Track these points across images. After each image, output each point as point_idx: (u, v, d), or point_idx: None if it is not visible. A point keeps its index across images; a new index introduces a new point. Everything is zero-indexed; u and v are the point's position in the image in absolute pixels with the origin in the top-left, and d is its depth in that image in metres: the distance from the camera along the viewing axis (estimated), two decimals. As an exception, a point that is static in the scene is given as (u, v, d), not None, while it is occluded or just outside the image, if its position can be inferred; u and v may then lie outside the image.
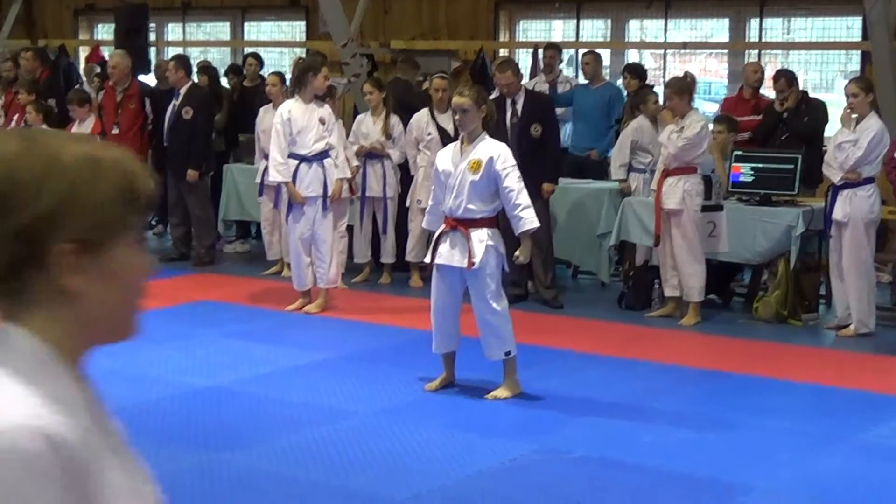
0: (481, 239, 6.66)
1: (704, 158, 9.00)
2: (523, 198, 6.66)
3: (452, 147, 6.97)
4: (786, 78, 10.34)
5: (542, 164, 9.25)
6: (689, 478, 5.51)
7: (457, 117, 6.86)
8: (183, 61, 11.41)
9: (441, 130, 10.08)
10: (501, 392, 6.79)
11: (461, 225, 6.70)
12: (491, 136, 6.87)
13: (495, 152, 6.72)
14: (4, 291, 1.54)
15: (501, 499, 5.25)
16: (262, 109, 10.82)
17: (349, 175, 9.43)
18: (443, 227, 6.81)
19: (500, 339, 6.75)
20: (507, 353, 6.75)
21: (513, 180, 6.64)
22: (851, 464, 5.78)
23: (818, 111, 10.35)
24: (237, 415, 6.38)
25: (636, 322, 9.05)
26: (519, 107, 9.42)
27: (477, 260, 6.61)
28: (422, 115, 10.26)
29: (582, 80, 12.23)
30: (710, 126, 9.55)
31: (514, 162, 6.73)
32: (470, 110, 6.72)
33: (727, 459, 5.77)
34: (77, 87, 12.56)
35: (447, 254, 6.73)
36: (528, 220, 6.65)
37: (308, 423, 6.22)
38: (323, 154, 9.06)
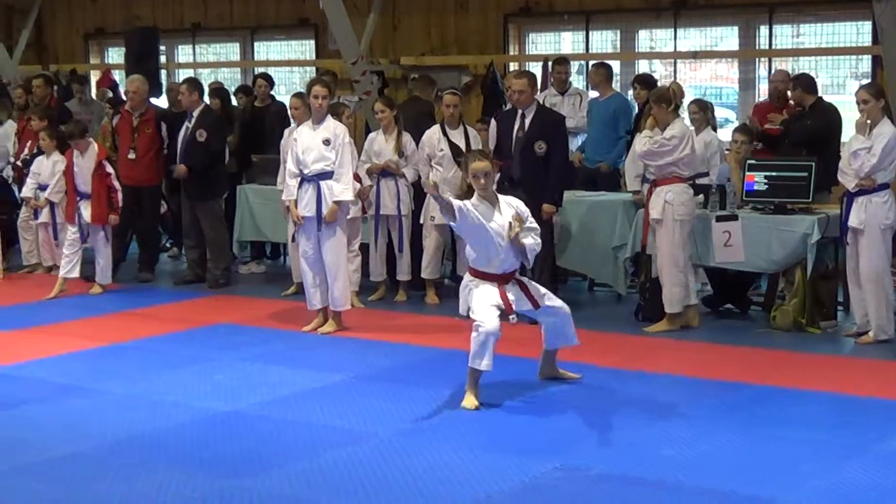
0: (534, 284, 7.32)
1: (688, 167, 8.95)
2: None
3: (475, 203, 7.11)
4: (801, 86, 10.27)
5: (543, 182, 9.22)
6: (712, 492, 5.47)
7: (482, 182, 7.08)
8: (196, 84, 11.43)
9: (453, 146, 10.08)
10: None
11: (512, 276, 7.18)
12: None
13: (515, 204, 7.26)
14: None
15: (523, 518, 5.23)
16: (286, 131, 10.73)
17: (350, 198, 9.20)
18: (496, 292, 7.06)
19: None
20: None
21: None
22: (875, 474, 5.73)
23: (824, 115, 10.24)
24: (256, 439, 6.37)
25: (654, 334, 9.03)
26: (528, 121, 9.34)
27: (542, 300, 7.21)
28: (433, 132, 10.26)
29: (593, 92, 12.20)
30: (729, 136, 9.50)
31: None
32: (491, 172, 7.15)
33: (749, 472, 5.74)
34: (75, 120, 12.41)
35: (517, 303, 7.10)
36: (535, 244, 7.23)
37: (327, 445, 6.20)
38: (323, 174, 8.98)
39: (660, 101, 8.92)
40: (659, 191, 8.99)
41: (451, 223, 7.18)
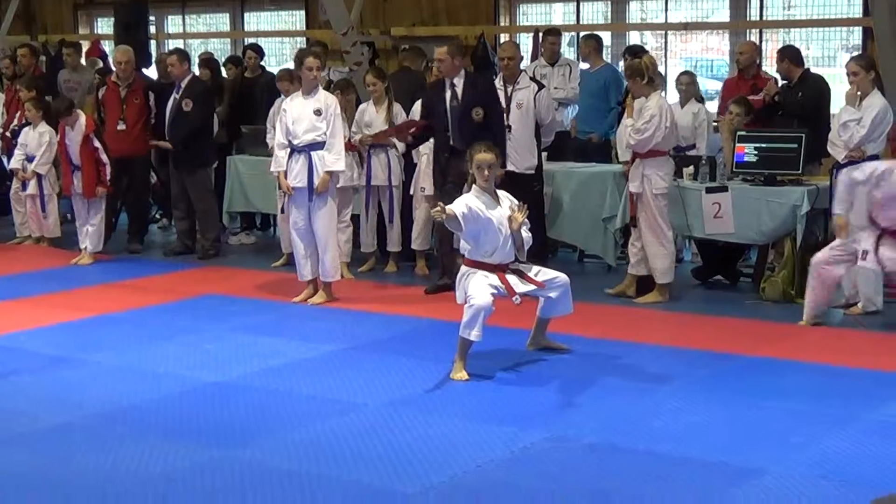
0: (535, 270, 7.28)
1: (666, 141, 8.90)
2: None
3: (477, 195, 7.11)
4: (788, 58, 10.27)
5: None
6: (700, 462, 5.50)
7: (485, 173, 7.09)
8: (185, 54, 11.39)
9: (443, 117, 10.04)
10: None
11: (508, 266, 7.18)
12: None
13: (510, 199, 7.29)
14: None
15: (513, 488, 5.24)
16: (277, 101, 10.65)
17: (342, 168, 9.15)
18: (495, 277, 7.08)
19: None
20: None
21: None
22: (863, 444, 5.76)
23: (814, 87, 10.23)
24: (246, 410, 6.37)
25: (643, 305, 9.04)
26: (459, 89, 9.26)
27: (543, 278, 7.23)
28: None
29: (584, 64, 12.16)
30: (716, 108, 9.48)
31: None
32: (495, 164, 7.16)
33: (738, 442, 5.76)
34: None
35: (518, 286, 7.12)
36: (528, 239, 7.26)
37: (318, 416, 6.21)
38: (314, 145, 8.97)
39: (633, 74, 8.89)
40: (638, 163, 8.98)
41: (458, 233, 7.13)
